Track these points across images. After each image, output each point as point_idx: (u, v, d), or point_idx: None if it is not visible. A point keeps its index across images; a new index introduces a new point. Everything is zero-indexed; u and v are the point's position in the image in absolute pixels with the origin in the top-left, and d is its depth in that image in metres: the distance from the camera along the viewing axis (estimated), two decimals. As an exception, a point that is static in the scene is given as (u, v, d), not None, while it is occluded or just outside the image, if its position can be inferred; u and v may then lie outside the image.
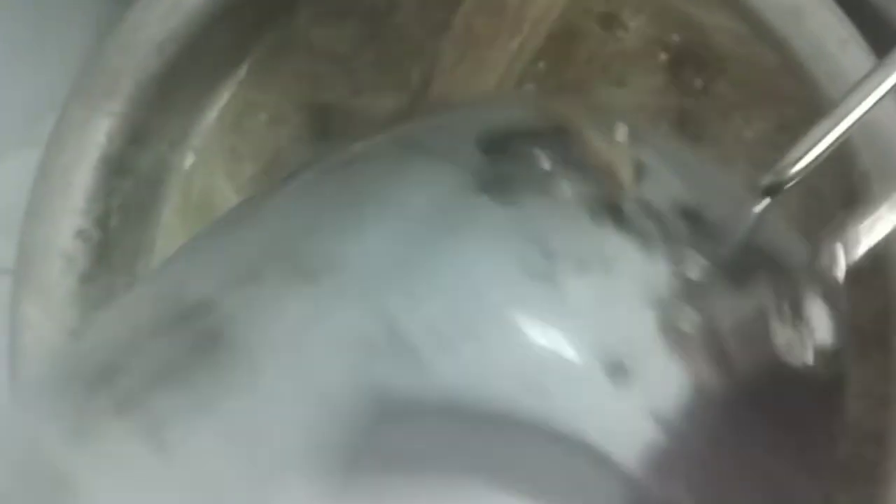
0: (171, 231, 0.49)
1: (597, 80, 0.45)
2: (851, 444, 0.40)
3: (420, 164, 0.33)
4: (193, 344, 0.30)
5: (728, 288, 0.32)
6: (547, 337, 0.30)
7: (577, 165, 0.33)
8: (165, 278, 0.35)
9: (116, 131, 0.46)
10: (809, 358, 0.33)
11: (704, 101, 0.45)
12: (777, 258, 0.35)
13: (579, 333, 0.30)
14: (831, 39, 0.40)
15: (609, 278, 0.31)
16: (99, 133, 0.46)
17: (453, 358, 0.29)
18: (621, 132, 0.35)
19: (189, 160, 0.49)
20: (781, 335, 0.32)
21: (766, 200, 0.35)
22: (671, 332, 0.31)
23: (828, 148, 0.34)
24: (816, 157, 0.35)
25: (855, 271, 0.34)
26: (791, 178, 0.35)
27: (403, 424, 0.29)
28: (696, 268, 0.32)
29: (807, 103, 0.42)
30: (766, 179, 0.35)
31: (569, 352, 0.30)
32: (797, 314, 0.33)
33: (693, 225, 0.33)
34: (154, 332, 0.31)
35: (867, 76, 0.34)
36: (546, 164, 0.32)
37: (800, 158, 0.35)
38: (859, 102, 0.34)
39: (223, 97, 0.49)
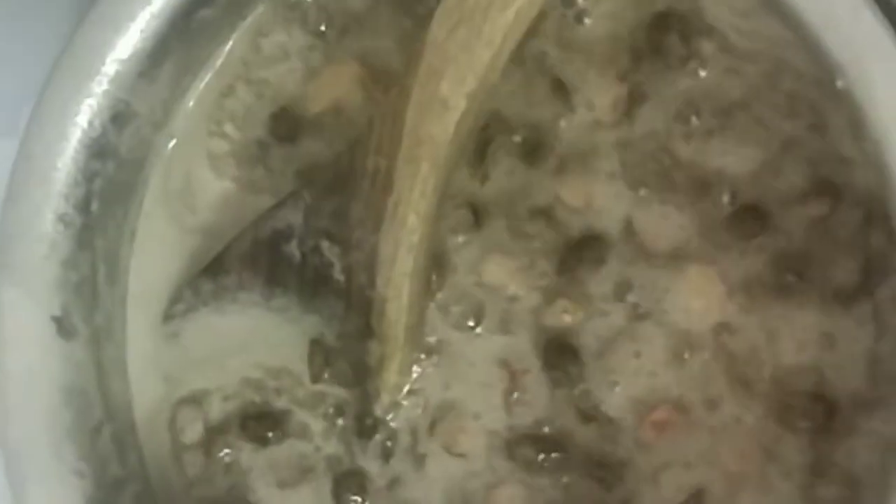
0: (153, 218, 0.48)
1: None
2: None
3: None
4: None
5: None
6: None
7: None
8: None
9: (97, 112, 0.45)
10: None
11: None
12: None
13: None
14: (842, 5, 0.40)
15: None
16: (80, 114, 0.45)
17: None
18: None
19: (170, 143, 0.48)
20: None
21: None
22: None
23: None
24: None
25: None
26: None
27: None
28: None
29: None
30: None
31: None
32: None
33: None
34: None
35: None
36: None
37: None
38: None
39: (205, 77, 0.48)
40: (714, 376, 0.43)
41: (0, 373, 0.44)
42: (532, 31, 0.44)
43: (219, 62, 0.48)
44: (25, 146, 0.44)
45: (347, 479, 0.45)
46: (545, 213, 0.44)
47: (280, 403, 0.46)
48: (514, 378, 0.44)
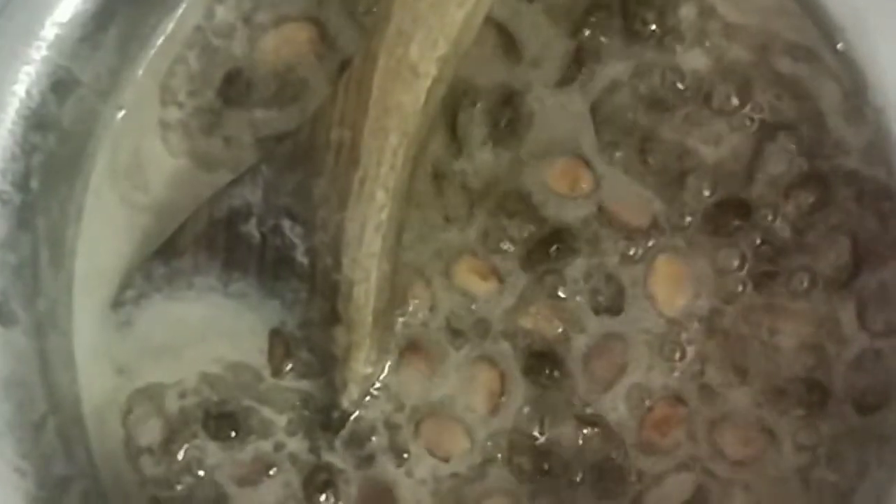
0: (101, 196, 0.45)
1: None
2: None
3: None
4: None
5: None
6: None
7: None
8: None
9: (36, 81, 0.42)
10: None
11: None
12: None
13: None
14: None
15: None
16: (17, 83, 0.42)
17: None
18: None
19: (118, 115, 0.45)
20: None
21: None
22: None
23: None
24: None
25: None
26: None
27: None
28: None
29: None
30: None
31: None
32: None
33: None
34: None
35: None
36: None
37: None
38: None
39: (155, 44, 0.45)
40: (706, 366, 0.41)
41: (-70, 364, 0.42)
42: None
43: (170, 27, 0.45)
44: (-44, 117, 0.42)
45: (316, 476, 0.43)
46: (522, 201, 0.42)
47: (240, 400, 0.43)
48: (497, 384, 0.42)
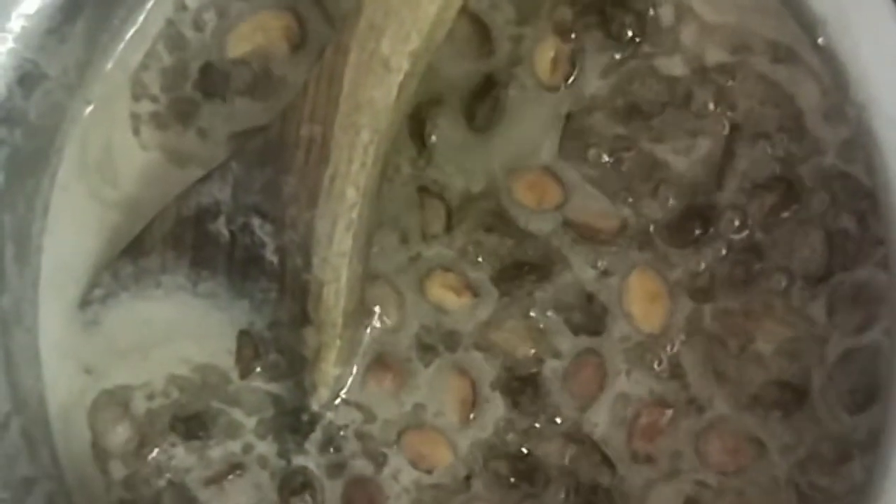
0: (68, 191, 0.44)
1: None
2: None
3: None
4: None
5: None
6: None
7: None
8: None
9: (2, 73, 0.41)
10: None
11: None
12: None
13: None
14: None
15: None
16: (-19, 75, 0.41)
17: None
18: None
19: (87, 109, 0.44)
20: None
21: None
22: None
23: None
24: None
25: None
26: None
27: None
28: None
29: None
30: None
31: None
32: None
33: None
34: None
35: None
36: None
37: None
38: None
39: (125, 36, 0.44)
40: (688, 374, 0.41)
41: None
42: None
43: (140, 19, 0.44)
44: (-82, 112, 0.41)
45: (293, 479, 0.42)
46: (498, 216, 0.41)
47: (208, 402, 0.43)
48: (469, 393, 0.41)
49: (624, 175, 0.41)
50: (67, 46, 0.42)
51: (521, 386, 0.41)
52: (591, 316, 0.41)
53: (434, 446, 0.41)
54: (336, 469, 0.42)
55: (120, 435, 0.43)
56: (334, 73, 0.38)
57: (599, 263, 0.41)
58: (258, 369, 0.42)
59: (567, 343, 0.41)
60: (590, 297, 0.41)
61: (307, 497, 0.42)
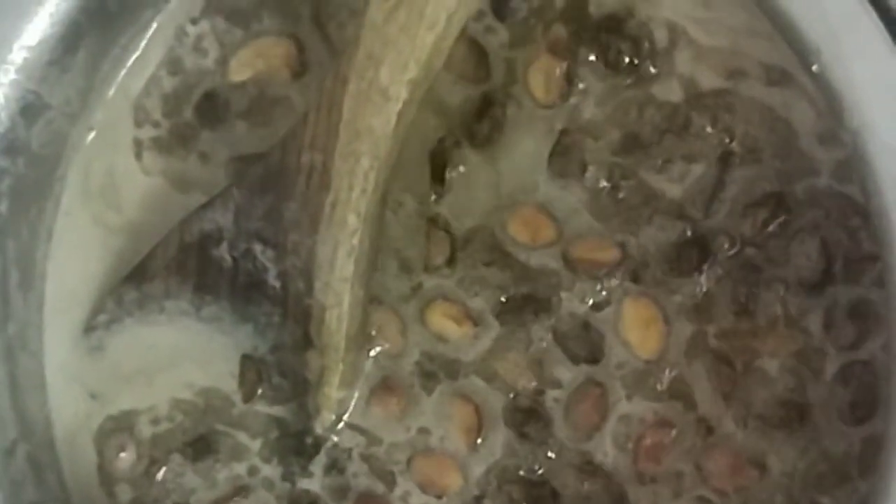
0: (72, 217, 0.44)
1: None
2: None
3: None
4: None
5: None
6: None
7: None
8: None
9: (4, 105, 0.41)
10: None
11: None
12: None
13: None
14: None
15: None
16: (-16, 106, 0.41)
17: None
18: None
19: (89, 136, 0.44)
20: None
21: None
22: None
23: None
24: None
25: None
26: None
27: None
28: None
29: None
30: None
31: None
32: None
33: None
34: None
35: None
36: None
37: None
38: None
39: (126, 64, 0.44)
40: (691, 393, 0.41)
41: None
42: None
43: (141, 46, 0.44)
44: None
45: (296, 502, 0.42)
46: (498, 249, 0.42)
47: (212, 425, 0.43)
48: (474, 419, 0.42)
49: (620, 203, 0.41)
50: (69, 76, 0.42)
51: (525, 416, 0.41)
52: (589, 345, 0.41)
53: (444, 471, 0.42)
54: (341, 492, 0.42)
55: (125, 459, 0.43)
56: (334, 102, 0.39)
57: (596, 293, 0.41)
58: (261, 393, 0.42)
59: (567, 373, 0.41)
60: (587, 327, 0.41)
61: None
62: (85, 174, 0.44)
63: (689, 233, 0.41)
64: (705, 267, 0.41)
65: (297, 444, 0.42)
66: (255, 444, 0.43)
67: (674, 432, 0.41)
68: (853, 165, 0.37)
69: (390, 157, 0.39)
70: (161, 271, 0.42)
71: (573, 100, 0.41)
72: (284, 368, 0.42)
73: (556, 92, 0.41)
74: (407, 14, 0.38)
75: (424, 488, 0.42)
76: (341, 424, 0.42)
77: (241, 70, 0.43)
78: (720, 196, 0.40)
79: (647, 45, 0.41)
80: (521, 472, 0.41)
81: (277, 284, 0.41)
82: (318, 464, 0.42)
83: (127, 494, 0.43)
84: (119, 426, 0.43)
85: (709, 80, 0.40)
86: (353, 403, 0.42)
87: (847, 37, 0.36)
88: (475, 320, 0.42)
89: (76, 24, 0.41)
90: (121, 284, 0.43)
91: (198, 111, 0.44)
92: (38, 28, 0.41)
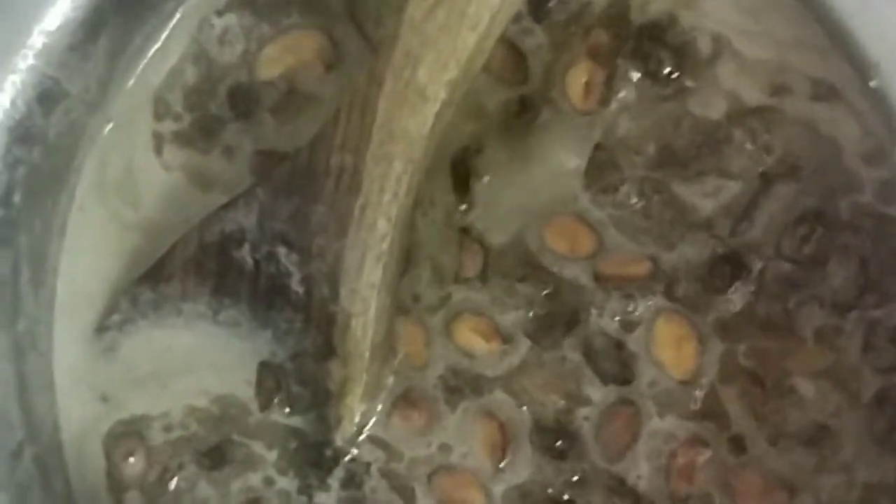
0: (87, 212, 0.43)
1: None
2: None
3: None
4: None
5: None
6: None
7: None
8: None
9: (21, 91, 0.40)
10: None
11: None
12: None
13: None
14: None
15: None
16: (2, 92, 0.39)
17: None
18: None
19: (107, 127, 0.43)
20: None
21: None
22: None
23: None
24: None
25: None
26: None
27: None
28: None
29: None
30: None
31: None
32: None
33: None
34: None
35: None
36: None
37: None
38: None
39: (147, 54, 0.42)
40: (724, 412, 0.40)
41: None
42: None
43: (163, 37, 0.43)
44: (-65, 130, 0.40)
45: None
46: (530, 264, 0.41)
47: (227, 434, 0.41)
48: (498, 437, 0.40)
49: (652, 219, 0.40)
50: (89, 64, 0.41)
51: (553, 435, 0.40)
52: (620, 364, 0.40)
53: (466, 489, 0.40)
54: None
55: (135, 465, 0.42)
56: (368, 103, 0.37)
57: (628, 311, 0.40)
58: (277, 401, 0.41)
59: (598, 392, 0.40)
60: (619, 346, 0.40)
61: None
62: (102, 167, 0.43)
63: (721, 249, 0.40)
64: (738, 283, 0.39)
65: (315, 456, 0.41)
66: (272, 455, 0.41)
67: (707, 452, 0.39)
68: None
69: (424, 160, 0.38)
70: (179, 272, 0.41)
71: (612, 107, 0.40)
72: (304, 377, 0.40)
73: (595, 98, 0.40)
74: (447, 13, 0.36)
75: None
76: (362, 437, 0.41)
77: (270, 66, 0.42)
78: (755, 213, 0.39)
79: (689, 55, 0.40)
80: (550, 491, 0.40)
81: (301, 290, 0.39)
82: (336, 477, 0.41)
83: (136, 502, 0.42)
84: (130, 431, 0.42)
85: (752, 95, 0.39)
86: (375, 416, 0.41)
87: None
88: (504, 337, 0.40)
89: (98, 10, 0.40)
90: (136, 284, 0.41)
91: (224, 104, 0.42)
92: (60, 11, 0.40)
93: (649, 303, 0.40)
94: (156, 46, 0.42)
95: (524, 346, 0.41)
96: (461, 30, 0.36)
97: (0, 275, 0.40)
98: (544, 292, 0.40)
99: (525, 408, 0.40)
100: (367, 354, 0.39)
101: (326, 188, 0.38)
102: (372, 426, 0.41)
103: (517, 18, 0.40)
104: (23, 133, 0.40)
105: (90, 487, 0.42)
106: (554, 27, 0.41)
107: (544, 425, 0.40)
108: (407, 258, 0.40)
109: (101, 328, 0.42)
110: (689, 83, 0.40)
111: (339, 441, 0.41)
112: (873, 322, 0.39)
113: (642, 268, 0.40)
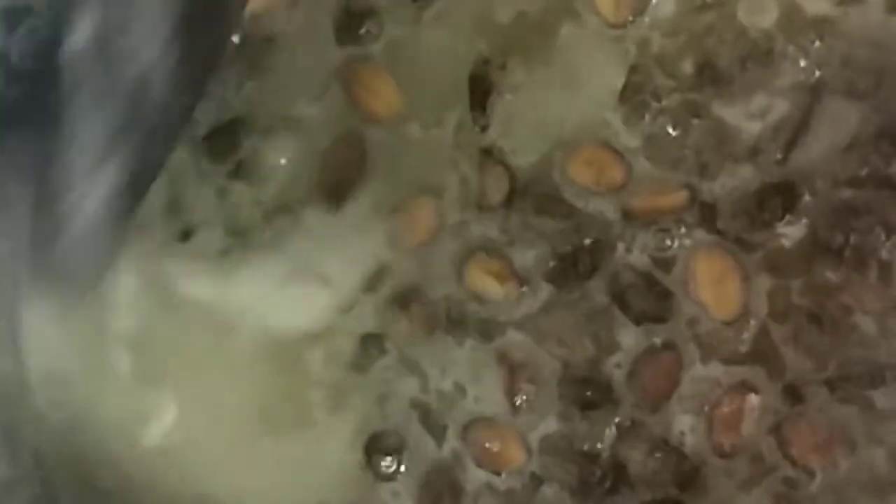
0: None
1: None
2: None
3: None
4: None
5: None
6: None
7: None
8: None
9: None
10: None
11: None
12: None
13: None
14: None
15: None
16: None
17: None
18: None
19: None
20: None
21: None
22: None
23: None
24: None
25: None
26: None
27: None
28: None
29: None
30: None
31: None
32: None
33: None
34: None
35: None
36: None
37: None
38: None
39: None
40: (770, 356, 0.37)
41: None
42: None
43: None
44: None
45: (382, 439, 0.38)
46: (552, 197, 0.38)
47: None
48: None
49: (691, 145, 0.37)
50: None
51: (583, 387, 0.37)
52: (654, 300, 0.37)
53: (505, 443, 0.37)
54: None
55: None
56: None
57: (663, 246, 0.37)
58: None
59: (630, 336, 0.37)
60: (651, 281, 0.37)
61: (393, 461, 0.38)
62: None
63: (771, 177, 0.37)
64: (790, 216, 0.37)
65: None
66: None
67: (756, 399, 0.36)
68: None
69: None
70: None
71: (646, 19, 0.37)
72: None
73: (628, 8, 0.37)
74: None
75: (479, 460, 0.38)
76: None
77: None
78: (806, 136, 0.37)
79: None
80: (585, 448, 0.37)
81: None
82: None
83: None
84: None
85: (813, 5, 0.37)
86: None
87: None
88: (522, 279, 0.37)
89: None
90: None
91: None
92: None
93: (686, 238, 0.37)
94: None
95: (543, 288, 0.38)
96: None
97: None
98: (566, 227, 0.38)
99: (550, 357, 0.37)
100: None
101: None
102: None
103: None
104: None
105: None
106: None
107: (572, 375, 0.37)
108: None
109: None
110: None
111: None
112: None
113: (678, 198, 0.37)
